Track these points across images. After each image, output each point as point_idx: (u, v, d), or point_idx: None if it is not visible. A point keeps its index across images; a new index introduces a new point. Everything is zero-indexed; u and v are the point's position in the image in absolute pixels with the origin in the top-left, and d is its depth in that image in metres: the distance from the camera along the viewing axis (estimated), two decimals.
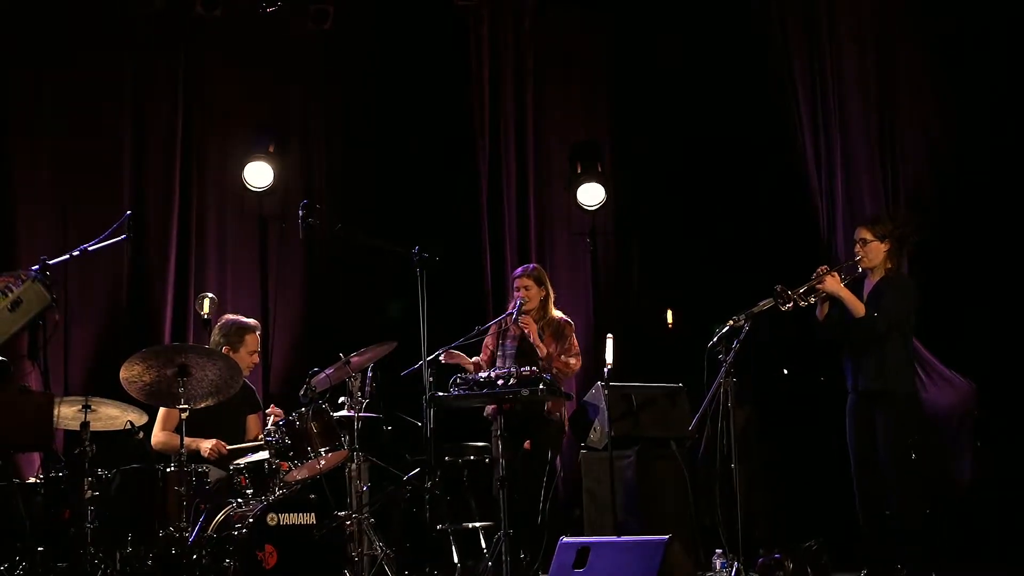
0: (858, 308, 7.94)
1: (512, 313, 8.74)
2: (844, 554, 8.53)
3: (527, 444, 8.77)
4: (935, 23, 10.10)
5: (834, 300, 8.05)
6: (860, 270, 8.14)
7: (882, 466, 7.88)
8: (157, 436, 8.23)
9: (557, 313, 9.01)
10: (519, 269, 9.19)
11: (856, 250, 8.14)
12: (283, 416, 7.97)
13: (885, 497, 7.91)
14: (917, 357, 8.81)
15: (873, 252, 8.06)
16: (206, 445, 7.98)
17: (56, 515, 7.30)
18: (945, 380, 9.37)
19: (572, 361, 8.82)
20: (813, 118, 10.65)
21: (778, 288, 7.96)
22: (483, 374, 8.17)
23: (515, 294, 8.94)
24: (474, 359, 8.90)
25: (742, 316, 7.94)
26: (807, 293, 8.06)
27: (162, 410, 8.23)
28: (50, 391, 6.73)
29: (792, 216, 10.67)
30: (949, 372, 9.41)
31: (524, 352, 8.83)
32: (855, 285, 8.14)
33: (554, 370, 8.65)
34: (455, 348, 8.59)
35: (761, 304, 7.99)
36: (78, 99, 10.18)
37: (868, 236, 8.09)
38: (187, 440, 7.50)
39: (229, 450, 8.04)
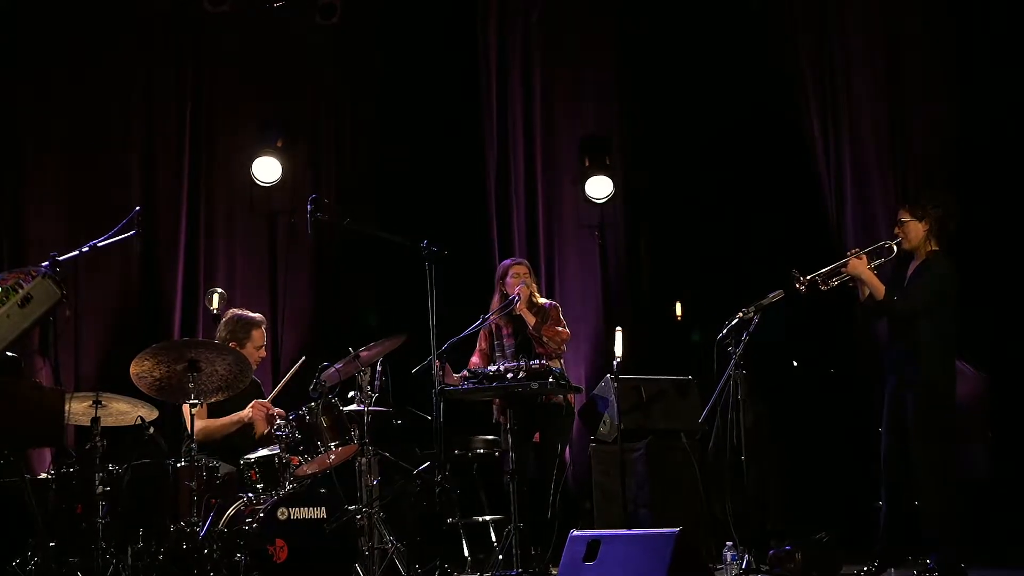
0: (879, 290, 7.84)
1: (515, 299, 8.73)
2: (855, 546, 8.52)
3: (536, 437, 8.77)
4: (945, 14, 10.07)
5: None
6: (894, 252, 8.02)
7: (911, 452, 7.78)
8: (198, 429, 8.21)
9: (543, 300, 9.04)
10: (508, 260, 9.23)
11: (895, 231, 8.02)
12: (284, 416, 7.99)
13: (908, 484, 7.82)
14: None
15: (912, 232, 7.91)
16: (246, 412, 7.99)
17: (68, 510, 7.31)
18: (958, 372, 9.31)
19: (560, 328, 8.82)
20: (822, 111, 10.65)
21: (794, 272, 7.92)
22: (492, 367, 8.18)
23: (509, 281, 8.94)
24: (460, 374, 8.84)
25: (751, 308, 7.94)
26: (829, 276, 8.00)
27: (186, 407, 8.21)
28: (61, 387, 6.76)
29: (801, 208, 10.67)
30: (961, 364, 9.36)
31: (522, 347, 8.83)
32: (903, 268, 8.04)
33: (545, 339, 8.68)
34: (460, 339, 8.55)
35: (771, 296, 7.97)
36: (87, 96, 10.18)
37: (906, 216, 7.94)
38: (224, 420, 7.65)
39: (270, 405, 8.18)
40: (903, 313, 7.79)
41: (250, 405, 8.08)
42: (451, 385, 8.16)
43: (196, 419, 8.12)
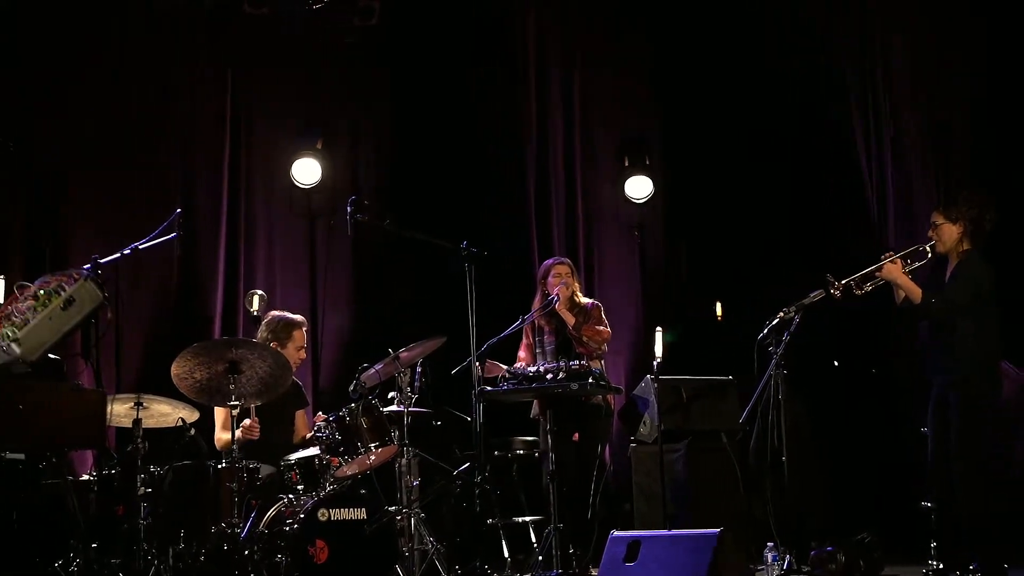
0: (915, 294, 7.77)
1: (554, 299, 8.72)
2: (896, 546, 8.47)
3: (575, 436, 8.75)
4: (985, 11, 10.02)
5: None
6: (929, 255, 7.96)
7: (953, 452, 7.69)
8: (221, 437, 8.26)
9: (585, 300, 9.01)
10: (550, 260, 9.20)
11: (929, 234, 7.95)
12: (324, 418, 8.00)
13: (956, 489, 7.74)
14: None
15: (946, 235, 7.82)
16: (238, 433, 7.83)
17: (109, 512, 7.37)
18: (1001, 372, 9.21)
19: (600, 328, 8.79)
20: (863, 109, 10.59)
21: (829, 278, 7.87)
22: (532, 368, 8.17)
23: (551, 280, 8.92)
24: (515, 366, 8.84)
25: (792, 308, 7.89)
26: (863, 280, 7.93)
27: (219, 411, 8.25)
28: (103, 389, 6.78)
29: (843, 207, 10.62)
30: (1004, 363, 9.25)
31: (563, 346, 8.81)
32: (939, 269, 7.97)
33: (584, 338, 8.66)
34: (499, 339, 8.52)
35: (812, 296, 7.91)
36: (128, 99, 10.21)
37: (940, 219, 7.85)
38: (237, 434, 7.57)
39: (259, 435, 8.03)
40: (941, 315, 7.72)
41: (242, 425, 7.93)
42: (491, 386, 8.14)
43: (224, 428, 8.11)
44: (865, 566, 7.95)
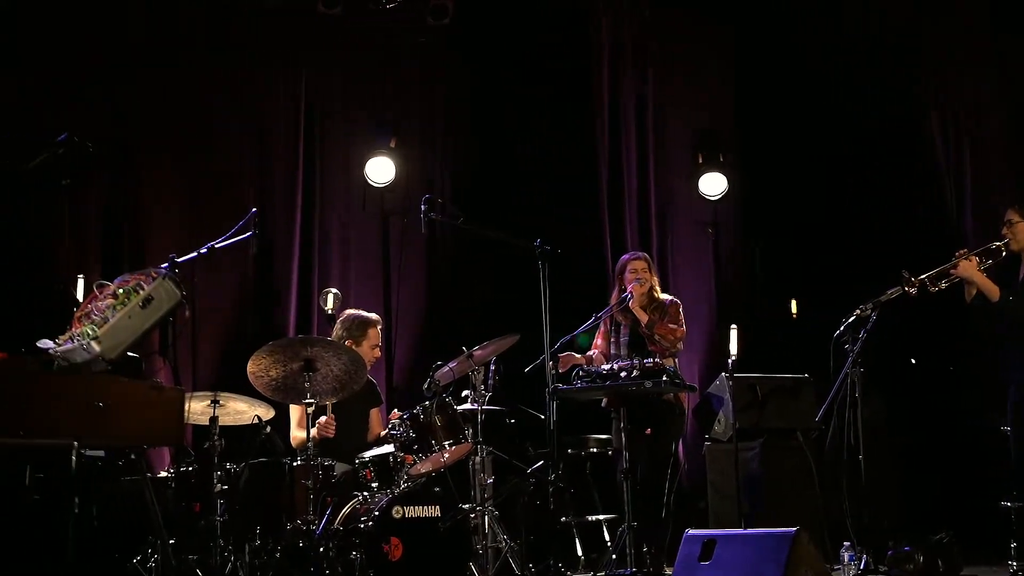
0: (992, 292, 7.70)
1: (629, 296, 8.68)
2: (976, 547, 8.36)
3: (647, 431, 8.71)
4: None
5: None
6: (1004, 253, 7.88)
7: None
8: (297, 435, 8.31)
9: (664, 296, 8.95)
10: (627, 255, 9.13)
11: (1003, 232, 7.88)
12: (399, 416, 8.02)
13: None
14: None
15: (1021, 233, 7.77)
16: (314, 431, 7.78)
17: (187, 508, 7.44)
18: None
19: (673, 326, 8.70)
20: (941, 108, 10.48)
21: (905, 274, 7.80)
22: (605, 366, 8.14)
23: (627, 276, 8.86)
24: (587, 354, 8.84)
25: (869, 305, 7.83)
26: (938, 277, 7.87)
27: (295, 409, 8.29)
28: (181, 387, 6.83)
29: (920, 203, 10.52)
30: None
31: (637, 340, 8.77)
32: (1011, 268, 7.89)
33: (657, 336, 8.60)
34: (573, 336, 8.50)
35: (889, 292, 7.86)
36: (203, 98, 10.30)
37: (1015, 217, 7.80)
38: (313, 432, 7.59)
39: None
40: (1018, 313, 7.64)
41: (318, 422, 7.95)
42: (565, 382, 8.11)
43: (300, 427, 8.15)
44: (944, 566, 7.86)
